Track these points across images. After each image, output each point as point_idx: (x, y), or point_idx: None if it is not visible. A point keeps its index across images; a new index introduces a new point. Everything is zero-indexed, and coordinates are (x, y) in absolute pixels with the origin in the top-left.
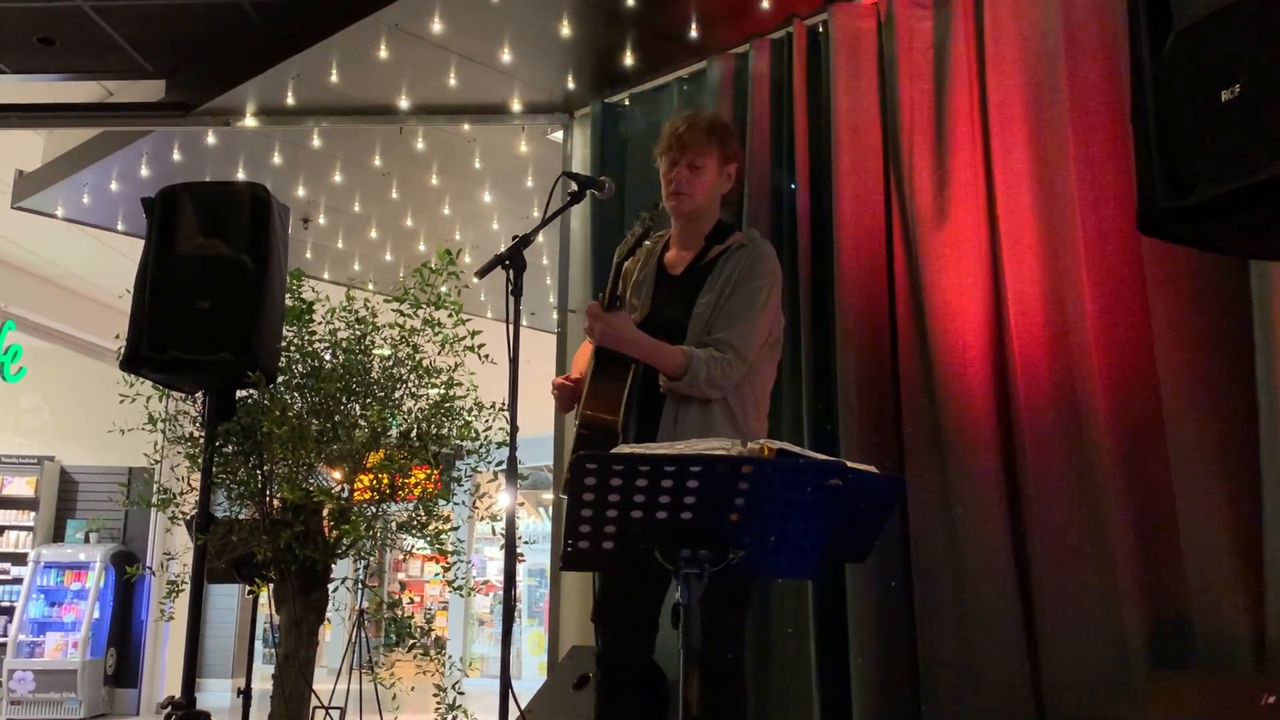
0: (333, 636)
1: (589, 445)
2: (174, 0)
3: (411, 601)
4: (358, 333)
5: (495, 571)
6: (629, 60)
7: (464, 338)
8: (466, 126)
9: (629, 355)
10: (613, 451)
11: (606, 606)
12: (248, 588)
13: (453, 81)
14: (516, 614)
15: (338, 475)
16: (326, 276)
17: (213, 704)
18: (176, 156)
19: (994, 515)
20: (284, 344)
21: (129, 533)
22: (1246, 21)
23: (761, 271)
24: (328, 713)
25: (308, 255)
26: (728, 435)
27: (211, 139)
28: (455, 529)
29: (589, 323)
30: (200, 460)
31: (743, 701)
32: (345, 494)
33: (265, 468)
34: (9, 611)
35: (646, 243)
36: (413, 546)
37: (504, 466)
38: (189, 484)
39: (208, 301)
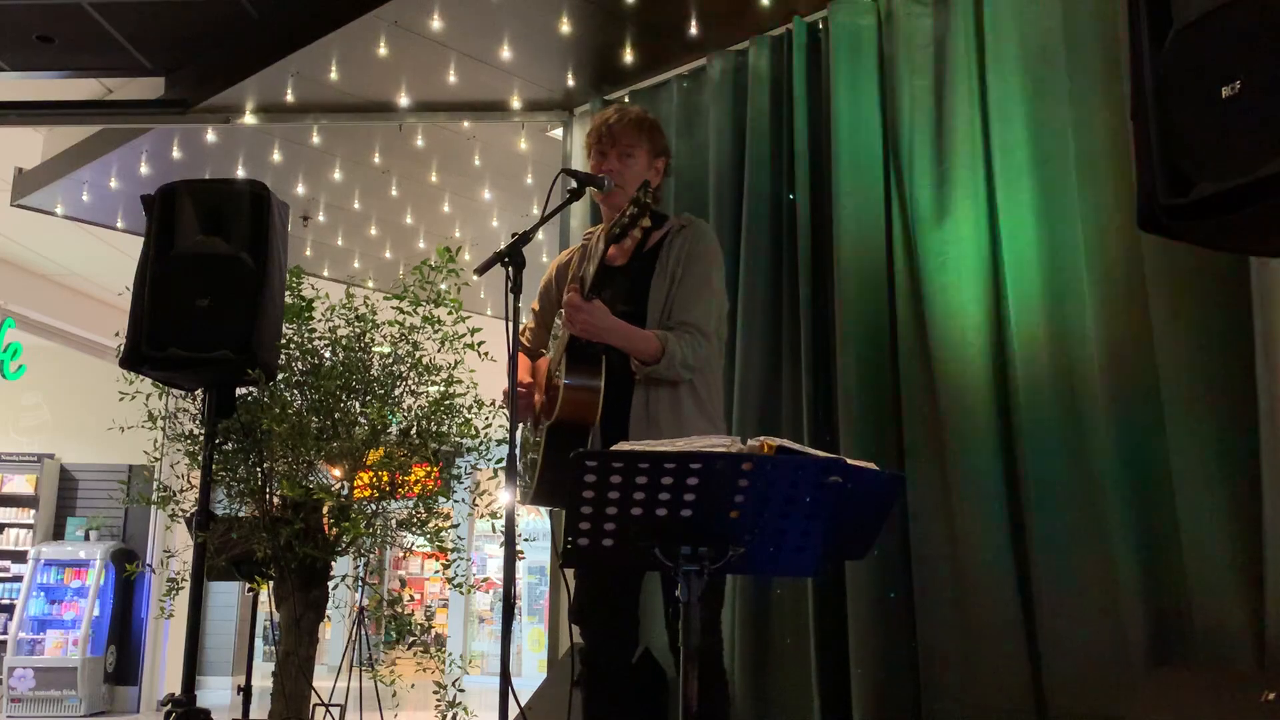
0: (333, 634)
1: (565, 447)
2: None
3: (412, 599)
4: (357, 330)
5: (495, 569)
6: (629, 57)
7: (464, 335)
8: (466, 124)
9: (607, 344)
10: (613, 449)
11: (585, 605)
12: (248, 585)
13: (452, 78)
14: (516, 611)
15: (338, 473)
16: (326, 274)
17: (213, 701)
18: (176, 154)
19: (994, 512)
20: (284, 341)
21: (129, 530)
22: (1247, 18)
23: (706, 251)
24: (328, 710)
25: (307, 253)
26: (697, 417)
27: (211, 136)
28: (455, 526)
29: (569, 314)
30: (200, 458)
31: (727, 696)
32: (345, 491)
33: (265, 465)
34: (9, 609)
35: (635, 229)
36: (413, 544)
37: (504, 464)
38: (189, 481)
39: (207, 299)
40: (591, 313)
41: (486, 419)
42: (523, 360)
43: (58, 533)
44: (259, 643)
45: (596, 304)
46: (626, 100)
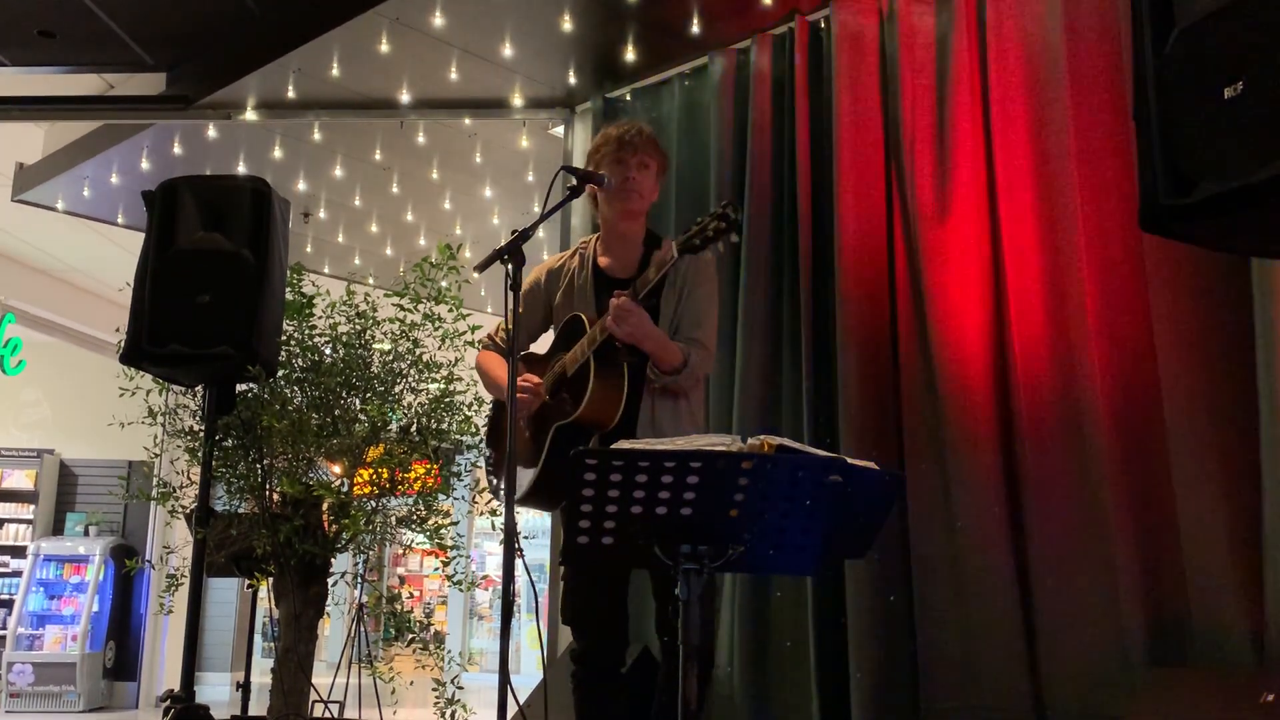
0: (332, 631)
1: (572, 448)
2: None
3: (411, 596)
4: (358, 327)
5: (494, 566)
6: (630, 55)
7: (464, 332)
8: (467, 121)
9: (641, 350)
10: (612, 447)
11: (577, 604)
12: (247, 582)
13: (454, 76)
14: (515, 609)
15: (337, 469)
16: (327, 271)
17: (212, 697)
18: (177, 150)
19: (994, 512)
20: (284, 338)
21: (128, 526)
22: (1249, 19)
23: (710, 274)
24: (327, 707)
25: (308, 249)
26: (693, 427)
27: (212, 132)
28: (455, 524)
29: (619, 316)
30: (200, 454)
31: (710, 679)
32: (345, 488)
33: (265, 462)
34: (8, 604)
35: (719, 243)
36: (412, 541)
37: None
38: (189, 478)
39: (208, 295)
40: (641, 317)
41: (486, 416)
42: (499, 360)
43: (57, 528)
44: (258, 639)
45: (642, 310)
46: (628, 98)
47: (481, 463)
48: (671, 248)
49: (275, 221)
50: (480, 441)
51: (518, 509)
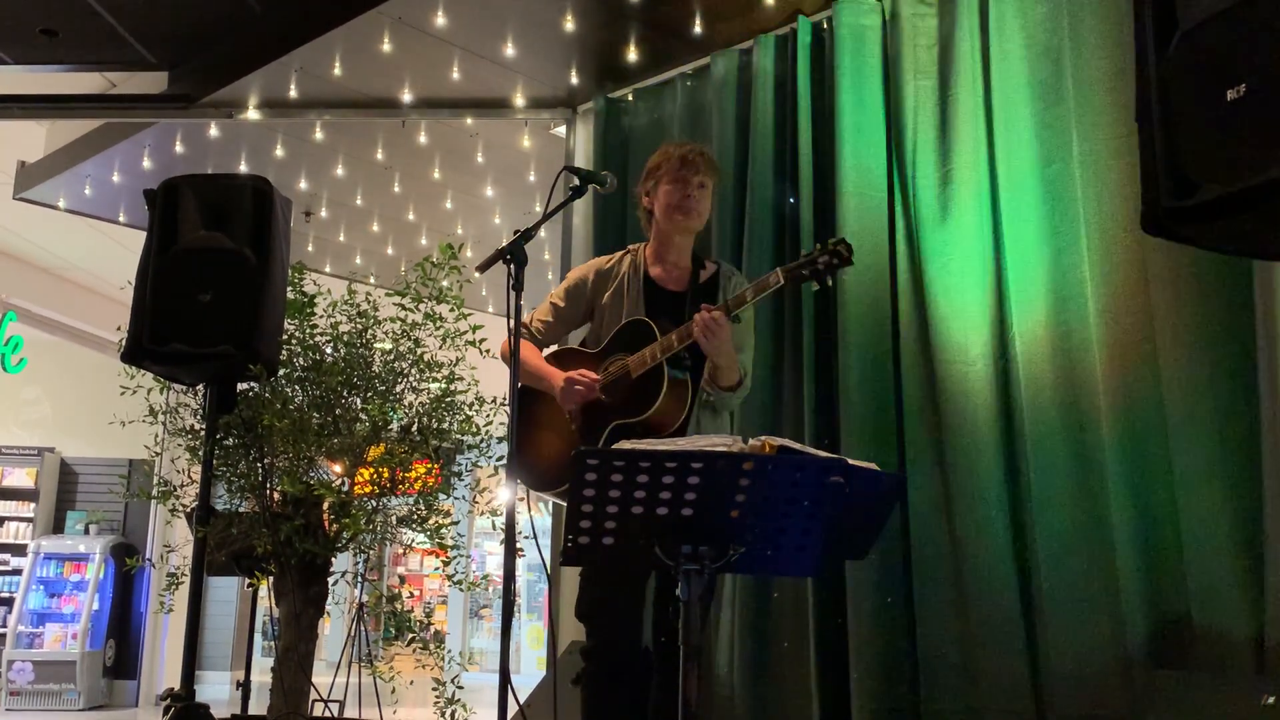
0: (332, 630)
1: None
2: None
3: (411, 596)
4: (359, 326)
5: (495, 566)
6: (633, 55)
7: (465, 332)
8: (469, 120)
9: (717, 363)
10: (613, 448)
11: (597, 602)
12: (247, 581)
13: (455, 75)
14: (516, 608)
15: (338, 469)
16: (328, 270)
17: (212, 696)
18: (179, 149)
19: (994, 514)
20: (285, 337)
21: (129, 525)
22: (1252, 21)
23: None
24: (326, 706)
25: (309, 248)
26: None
27: (214, 131)
28: (455, 523)
29: (710, 328)
30: (201, 453)
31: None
32: (345, 488)
33: (266, 461)
34: (9, 602)
35: (825, 279)
36: (412, 541)
37: (504, 461)
38: (189, 476)
39: (209, 294)
40: (729, 334)
41: (487, 416)
42: (533, 349)
43: (57, 526)
44: (258, 638)
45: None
46: (630, 98)
47: (483, 462)
48: (778, 274)
49: (277, 220)
50: (480, 441)
51: (533, 506)
